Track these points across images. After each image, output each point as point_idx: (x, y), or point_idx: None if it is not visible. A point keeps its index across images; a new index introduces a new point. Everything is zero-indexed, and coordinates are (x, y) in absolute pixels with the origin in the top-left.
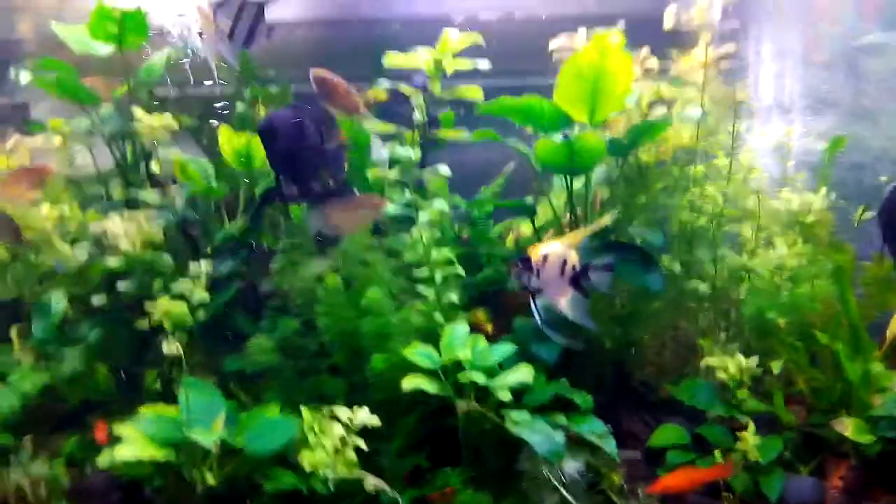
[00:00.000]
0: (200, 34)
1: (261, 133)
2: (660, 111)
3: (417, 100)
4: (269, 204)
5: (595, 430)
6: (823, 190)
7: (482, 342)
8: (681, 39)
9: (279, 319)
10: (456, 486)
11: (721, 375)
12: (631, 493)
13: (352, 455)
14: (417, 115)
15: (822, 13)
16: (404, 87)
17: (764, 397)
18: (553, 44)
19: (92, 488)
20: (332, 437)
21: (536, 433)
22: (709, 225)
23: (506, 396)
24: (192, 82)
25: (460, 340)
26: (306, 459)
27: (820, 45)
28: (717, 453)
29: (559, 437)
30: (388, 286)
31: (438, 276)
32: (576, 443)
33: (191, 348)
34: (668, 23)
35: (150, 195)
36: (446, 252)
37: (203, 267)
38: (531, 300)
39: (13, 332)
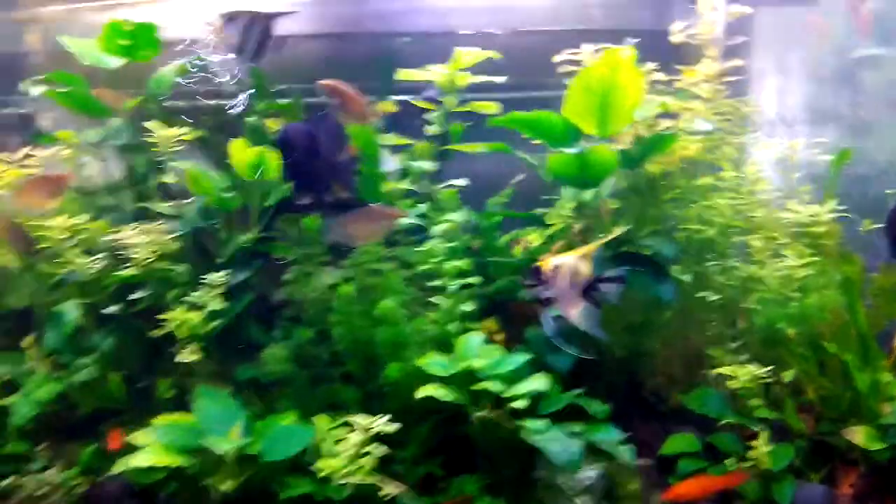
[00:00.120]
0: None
1: (278, 145)
2: (665, 124)
3: (434, 113)
4: (282, 215)
5: (611, 438)
6: (832, 202)
7: (497, 351)
8: (684, 53)
9: (293, 329)
10: (472, 494)
11: (733, 384)
12: (646, 501)
13: (370, 462)
14: (434, 128)
15: (817, 28)
16: (418, 101)
17: (773, 406)
18: (559, 57)
19: (106, 495)
20: (349, 444)
21: (554, 442)
22: (718, 236)
23: (522, 405)
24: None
25: (475, 350)
26: (324, 466)
27: (817, 59)
28: (728, 461)
29: (576, 445)
30: (402, 296)
31: (453, 287)
32: (591, 451)
33: (204, 357)
34: (675, 37)
35: (163, 206)
36: (461, 262)
37: (219, 277)
38: (542, 311)
39: (27, 341)
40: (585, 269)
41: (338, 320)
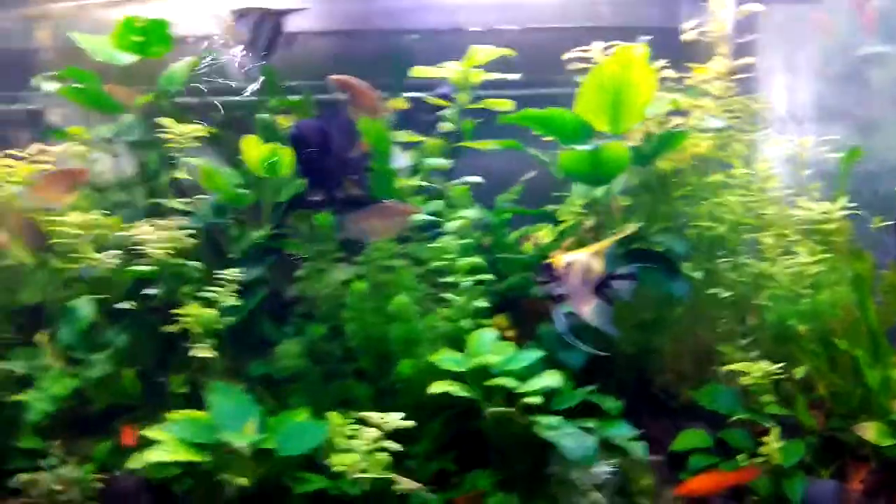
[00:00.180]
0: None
1: (292, 141)
2: (676, 121)
3: (448, 110)
4: (294, 211)
5: (624, 434)
6: (843, 199)
7: (510, 348)
8: (692, 50)
9: (305, 325)
10: (485, 489)
11: (745, 380)
12: (657, 496)
13: (384, 457)
14: (448, 125)
15: (822, 26)
16: (432, 98)
17: (784, 402)
18: (569, 55)
19: (121, 491)
20: (363, 440)
21: (568, 437)
22: (728, 233)
23: (536, 401)
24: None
25: (488, 346)
26: (338, 461)
27: (822, 57)
28: (740, 457)
29: (591, 441)
30: (414, 293)
31: (466, 283)
32: (604, 447)
33: (218, 353)
34: (687, 35)
35: (177, 202)
36: (474, 259)
37: (233, 273)
38: (555, 307)
39: (42, 337)
40: (598, 265)
41: (350, 317)
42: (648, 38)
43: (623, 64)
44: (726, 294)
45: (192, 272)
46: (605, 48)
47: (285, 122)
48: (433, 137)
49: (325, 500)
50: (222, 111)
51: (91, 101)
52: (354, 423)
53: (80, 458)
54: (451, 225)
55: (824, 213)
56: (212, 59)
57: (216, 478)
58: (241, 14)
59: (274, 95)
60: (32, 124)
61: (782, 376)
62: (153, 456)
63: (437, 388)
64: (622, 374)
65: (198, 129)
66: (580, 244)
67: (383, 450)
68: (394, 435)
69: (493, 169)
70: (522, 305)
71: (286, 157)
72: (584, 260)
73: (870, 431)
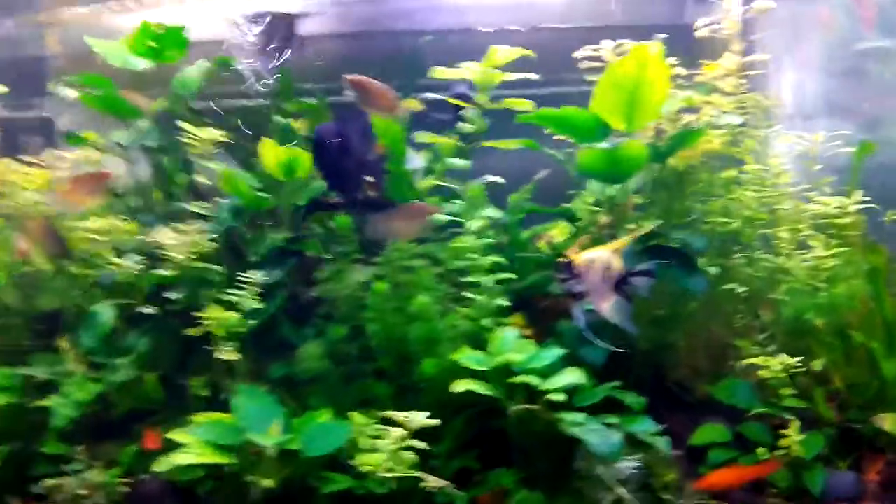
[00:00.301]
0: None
1: (312, 144)
2: (686, 118)
3: (469, 111)
4: (312, 214)
5: (647, 429)
6: (857, 193)
7: (531, 346)
8: (699, 47)
9: (326, 326)
10: (508, 487)
11: (764, 374)
12: (678, 490)
13: (410, 456)
14: (467, 125)
15: (823, 21)
16: (448, 98)
17: (800, 395)
18: (579, 54)
19: (146, 494)
20: (389, 439)
21: (593, 433)
22: (743, 228)
23: (560, 398)
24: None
25: (510, 344)
26: (365, 461)
27: (827, 52)
28: (760, 450)
29: (616, 436)
30: (434, 292)
31: (487, 282)
32: (627, 442)
33: (240, 356)
34: (699, 32)
35: (197, 206)
36: (496, 258)
37: (255, 276)
38: (575, 305)
39: (63, 343)
40: (617, 263)
41: (372, 317)
42: (663, 36)
43: (639, 62)
44: (742, 289)
45: (214, 276)
46: (615, 47)
47: (300, 126)
48: (448, 137)
49: (350, 500)
50: (236, 115)
51: (108, 106)
52: (377, 422)
53: (104, 462)
54: (472, 224)
55: (839, 207)
56: (225, 64)
57: (242, 480)
58: (253, 18)
59: (288, 99)
60: (44, 130)
61: (798, 370)
62: (180, 459)
63: (460, 386)
64: (639, 369)
65: (216, 133)
66: (596, 242)
67: (409, 448)
68: (417, 434)
69: (501, 169)
70: (537, 304)
71: (305, 160)
72: (603, 257)
73: (887, 422)
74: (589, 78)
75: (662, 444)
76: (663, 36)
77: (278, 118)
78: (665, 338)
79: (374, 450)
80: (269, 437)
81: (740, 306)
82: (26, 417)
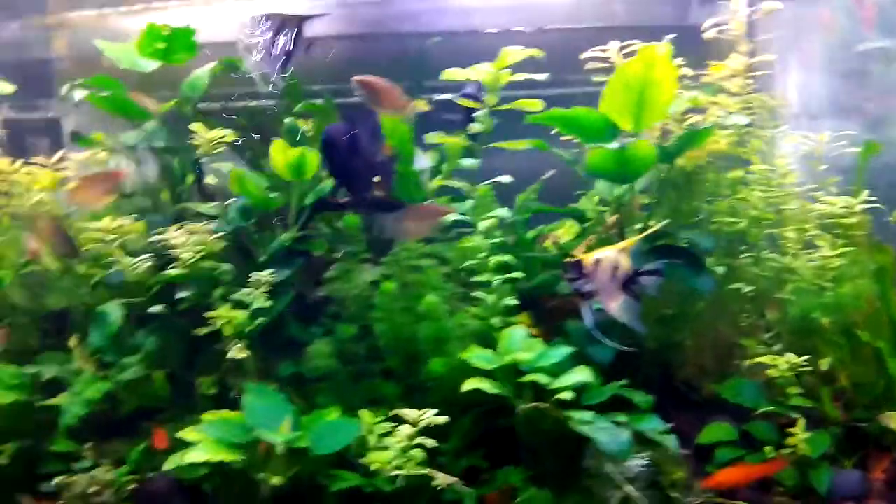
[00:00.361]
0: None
1: (322, 144)
2: (692, 118)
3: (480, 111)
4: (319, 213)
5: (655, 427)
6: (864, 193)
7: (539, 345)
8: (705, 48)
9: (334, 325)
10: (517, 485)
11: (771, 373)
12: (686, 489)
13: (419, 454)
14: (477, 126)
15: (825, 22)
16: (456, 99)
17: (806, 394)
18: (586, 55)
19: (155, 492)
20: (399, 437)
21: (603, 431)
22: (750, 228)
23: (568, 396)
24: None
25: (518, 343)
26: (374, 459)
27: (829, 53)
28: (767, 449)
29: (625, 434)
30: (442, 292)
31: (496, 281)
32: (636, 440)
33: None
34: (708, 33)
35: (205, 206)
36: (505, 257)
37: (264, 276)
38: (583, 304)
39: (73, 342)
40: (625, 262)
41: (380, 316)
42: (671, 36)
43: (647, 63)
44: (748, 289)
45: (223, 275)
46: (621, 48)
47: (306, 126)
48: (456, 138)
49: (359, 498)
50: (242, 116)
51: (117, 107)
52: (385, 421)
53: (112, 460)
54: (482, 224)
55: (846, 207)
56: (232, 65)
57: (250, 477)
58: (262, 20)
59: (297, 100)
60: (50, 132)
61: (807, 369)
62: (191, 456)
63: (469, 385)
64: (647, 368)
65: (225, 134)
66: (602, 242)
67: (418, 447)
68: (425, 432)
69: (507, 169)
70: (543, 304)
71: (314, 160)
72: (612, 257)
73: (893, 421)
74: (594, 79)
75: (671, 442)
76: (671, 36)
77: (287, 119)
78: (672, 337)
79: (383, 447)
80: (280, 435)
81: (747, 306)
82: (34, 415)
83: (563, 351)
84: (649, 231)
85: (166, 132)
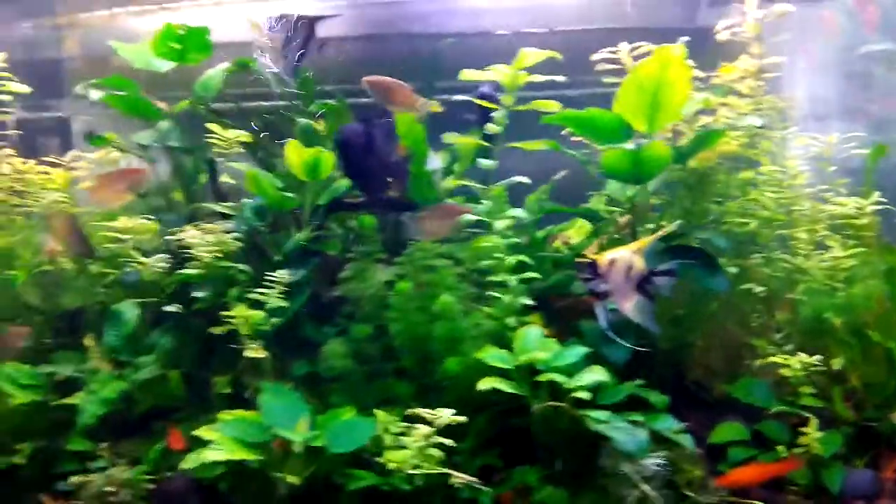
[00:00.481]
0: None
1: (339, 145)
2: (703, 119)
3: (497, 112)
4: (333, 213)
5: (670, 427)
6: (874, 194)
7: (555, 344)
8: (713, 50)
9: (348, 325)
10: (532, 484)
11: (785, 373)
12: (701, 487)
13: (436, 453)
14: (493, 126)
15: (828, 24)
16: (473, 99)
17: (817, 394)
18: (596, 56)
19: (173, 491)
20: (416, 436)
21: (620, 430)
22: (761, 229)
23: (585, 396)
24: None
25: (534, 343)
26: (392, 458)
27: (833, 55)
28: (780, 448)
29: (642, 433)
30: (456, 292)
31: (512, 281)
32: (652, 439)
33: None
34: (720, 35)
35: (220, 206)
36: (521, 257)
37: (281, 275)
38: (598, 304)
39: (89, 341)
40: (639, 262)
41: (395, 316)
42: (685, 39)
43: (662, 64)
44: (759, 289)
45: (239, 275)
46: (632, 49)
47: (320, 127)
48: (472, 138)
49: (375, 497)
50: (255, 116)
51: (131, 107)
52: (400, 420)
53: (128, 459)
54: (499, 224)
55: (857, 207)
56: (244, 65)
57: (267, 477)
58: (275, 20)
59: (310, 100)
60: (61, 131)
61: (818, 369)
62: (210, 456)
63: (485, 384)
64: (659, 368)
65: (241, 134)
66: (615, 242)
67: (436, 445)
68: (441, 431)
69: (519, 169)
70: (553, 304)
71: (329, 160)
72: (626, 257)
73: None
74: (605, 80)
75: (687, 441)
76: (684, 39)
77: (301, 119)
78: (684, 337)
79: (400, 447)
80: (297, 434)
81: (758, 306)
82: (50, 415)
83: (578, 351)
84: (663, 231)
85: (179, 132)
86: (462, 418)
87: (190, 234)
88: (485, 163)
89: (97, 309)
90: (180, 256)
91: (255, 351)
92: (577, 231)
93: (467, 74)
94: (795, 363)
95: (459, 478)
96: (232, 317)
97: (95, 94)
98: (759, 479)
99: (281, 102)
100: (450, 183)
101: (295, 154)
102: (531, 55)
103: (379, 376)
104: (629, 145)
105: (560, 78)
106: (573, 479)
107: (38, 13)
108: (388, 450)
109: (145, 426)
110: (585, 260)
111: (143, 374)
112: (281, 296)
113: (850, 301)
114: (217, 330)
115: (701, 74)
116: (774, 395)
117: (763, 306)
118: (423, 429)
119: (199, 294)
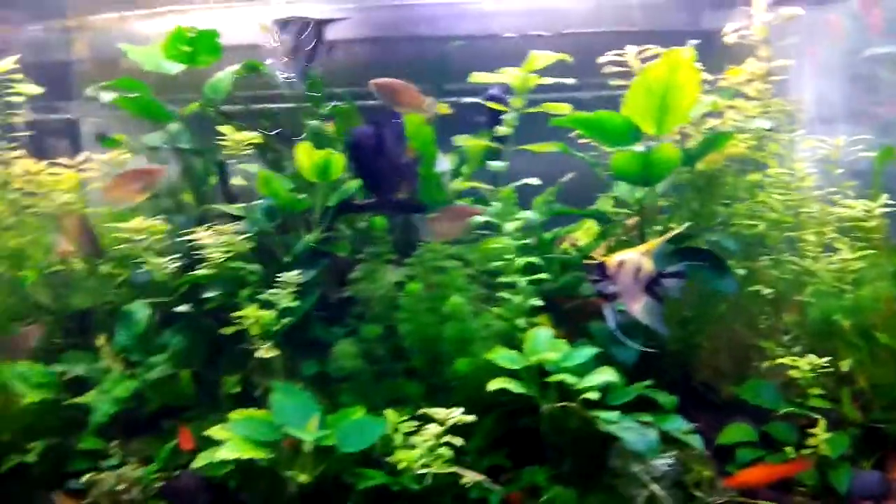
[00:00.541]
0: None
1: (349, 147)
2: (710, 122)
3: (507, 114)
4: (343, 215)
5: (679, 427)
6: (883, 197)
7: (564, 346)
8: (719, 53)
9: (358, 325)
10: (541, 484)
11: (793, 374)
12: (710, 488)
13: (446, 452)
14: (503, 128)
15: (832, 27)
16: (491, 103)
17: (824, 396)
18: (603, 59)
19: (183, 489)
20: (426, 436)
21: (630, 431)
22: (769, 231)
23: (594, 396)
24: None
25: (544, 344)
26: (402, 457)
27: (838, 58)
28: (788, 450)
29: (652, 434)
30: (466, 293)
31: (522, 283)
32: (661, 440)
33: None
34: (728, 38)
35: (230, 207)
36: (531, 258)
37: (291, 276)
38: (607, 305)
39: (100, 340)
40: (648, 264)
41: (405, 317)
42: (695, 42)
43: (671, 67)
44: (767, 291)
45: (249, 275)
46: (639, 52)
47: (330, 129)
48: (481, 140)
49: (384, 496)
50: (264, 118)
51: (142, 109)
52: (410, 419)
53: (139, 458)
54: (509, 226)
55: (865, 210)
56: (253, 68)
57: (277, 475)
58: (283, 23)
59: (319, 102)
60: (69, 133)
61: (826, 370)
62: (220, 454)
63: (495, 384)
64: (667, 369)
65: (251, 136)
66: (623, 244)
67: (446, 445)
68: (451, 431)
69: (526, 171)
70: (561, 305)
71: (339, 162)
72: (635, 259)
73: None
74: (612, 83)
75: (696, 441)
76: (694, 42)
77: (311, 121)
78: (693, 338)
79: (410, 446)
80: (308, 433)
81: (766, 308)
82: (61, 414)
83: (588, 351)
84: (672, 233)
85: (189, 134)
86: (471, 418)
87: (202, 235)
88: (495, 164)
89: (107, 309)
90: (191, 257)
91: (265, 351)
92: (584, 233)
93: (478, 77)
94: (804, 365)
95: (469, 476)
96: (242, 317)
97: (106, 96)
98: (766, 479)
99: (290, 105)
100: (459, 185)
101: (305, 156)
102: (541, 58)
103: (388, 376)
104: (639, 147)
105: (569, 80)
106: (582, 480)
107: (47, 16)
108: (398, 449)
109: (156, 425)
110: (594, 261)
111: (154, 374)
112: (291, 296)
113: (858, 303)
114: (227, 330)
115: (707, 77)
116: (782, 397)
117: (771, 308)
118: (433, 428)
119: (209, 294)
